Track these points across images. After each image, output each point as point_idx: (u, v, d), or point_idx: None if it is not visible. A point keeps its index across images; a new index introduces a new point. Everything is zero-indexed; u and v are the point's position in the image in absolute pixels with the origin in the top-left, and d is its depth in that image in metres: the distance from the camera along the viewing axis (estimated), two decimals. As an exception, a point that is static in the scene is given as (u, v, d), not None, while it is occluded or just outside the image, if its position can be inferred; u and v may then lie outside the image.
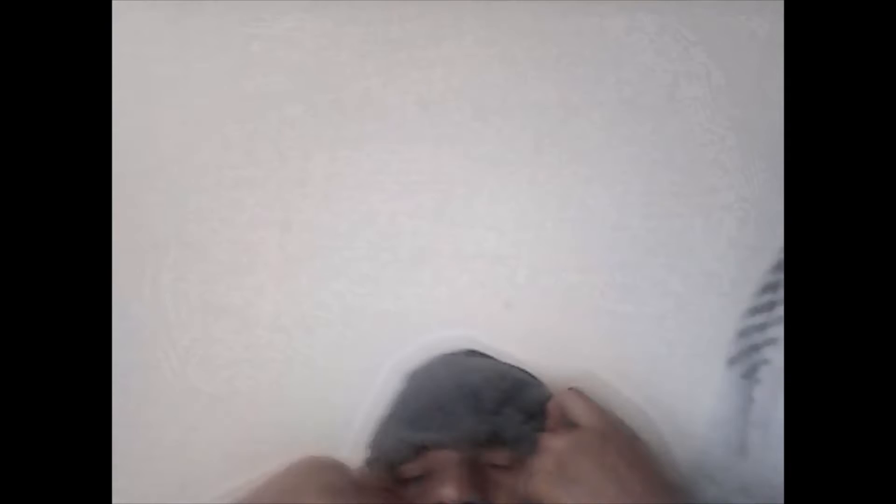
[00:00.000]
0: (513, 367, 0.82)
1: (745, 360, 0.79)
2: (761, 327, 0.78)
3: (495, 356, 0.84)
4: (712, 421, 0.82)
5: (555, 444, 0.66)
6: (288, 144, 0.89)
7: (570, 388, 0.72)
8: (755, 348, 0.78)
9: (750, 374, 0.78)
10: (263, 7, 0.90)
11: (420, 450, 0.71)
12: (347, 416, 0.81)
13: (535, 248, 0.88)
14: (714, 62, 0.86)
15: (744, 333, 0.80)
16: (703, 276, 0.87)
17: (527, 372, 0.82)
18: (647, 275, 0.87)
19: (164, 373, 0.85)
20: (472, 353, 0.83)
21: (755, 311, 0.79)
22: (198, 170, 0.89)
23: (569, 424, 0.69)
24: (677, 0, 0.87)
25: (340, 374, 0.85)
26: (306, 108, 0.89)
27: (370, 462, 0.76)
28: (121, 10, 0.85)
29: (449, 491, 0.66)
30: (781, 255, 0.76)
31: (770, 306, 0.78)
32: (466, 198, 0.89)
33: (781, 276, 0.75)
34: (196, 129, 0.89)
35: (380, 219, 0.88)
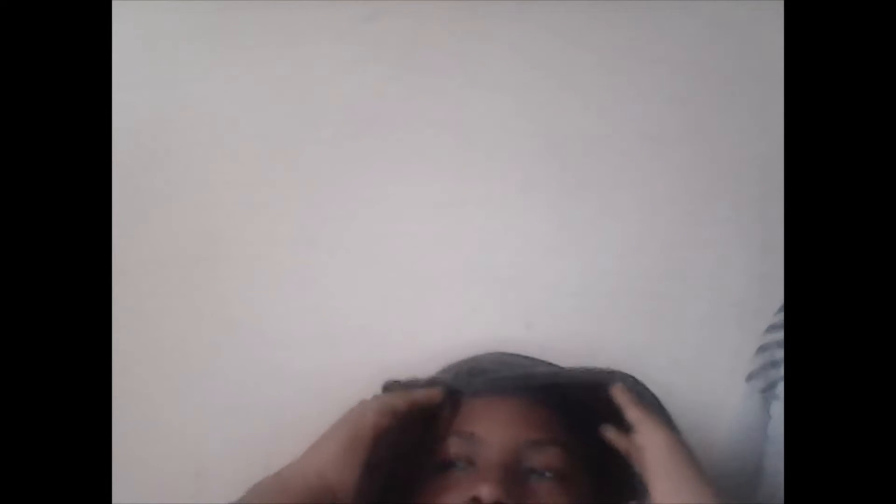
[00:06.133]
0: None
1: (763, 376, 0.79)
2: (781, 344, 0.77)
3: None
4: (730, 436, 0.81)
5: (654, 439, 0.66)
6: (308, 164, 0.90)
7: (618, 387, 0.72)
8: (774, 364, 0.78)
9: (768, 390, 0.78)
10: (288, 27, 0.91)
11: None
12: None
13: (557, 271, 0.88)
14: (714, 63, 0.87)
15: (763, 349, 0.80)
16: (723, 290, 0.87)
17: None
18: (666, 292, 0.87)
19: (174, 383, 0.85)
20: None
21: (775, 327, 0.79)
22: (215, 185, 0.89)
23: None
24: (678, 1, 0.88)
25: (358, 393, 0.84)
26: (327, 129, 0.90)
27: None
28: (139, 20, 0.88)
29: (485, 489, 0.65)
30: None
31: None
32: (488, 221, 0.89)
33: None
34: (216, 145, 0.90)
35: (400, 240, 0.89)
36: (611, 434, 0.70)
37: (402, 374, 0.78)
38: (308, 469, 0.66)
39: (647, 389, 0.75)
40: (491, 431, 0.70)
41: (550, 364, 0.81)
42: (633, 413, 0.68)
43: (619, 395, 0.71)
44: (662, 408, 0.74)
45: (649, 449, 0.66)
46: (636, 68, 0.90)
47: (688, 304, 0.87)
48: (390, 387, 0.76)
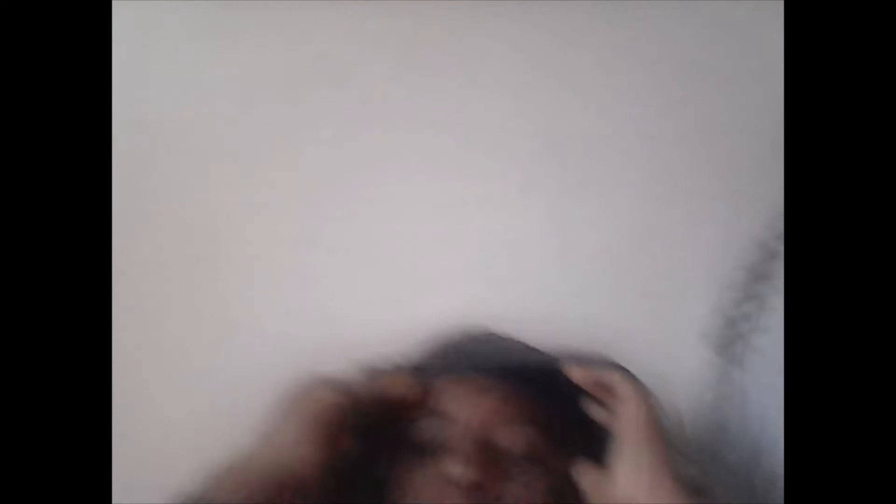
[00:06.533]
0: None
1: (730, 346, 0.81)
2: (736, 303, 0.80)
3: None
4: (694, 403, 0.83)
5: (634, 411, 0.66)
6: (308, 164, 0.90)
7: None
8: (741, 336, 0.80)
9: (734, 360, 0.80)
10: (288, 27, 0.91)
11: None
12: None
13: (557, 271, 0.89)
14: (714, 63, 0.87)
15: (731, 323, 0.81)
16: (692, 266, 0.88)
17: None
18: (666, 292, 0.88)
19: (174, 383, 0.85)
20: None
21: (743, 299, 0.80)
22: (215, 185, 0.89)
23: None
24: (678, 1, 0.88)
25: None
26: (327, 129, 0.90)
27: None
28: (139, 20, 0.88)
29: (458, 469, 0.65)
30: (774, 245, 0.77)
31: (758, 295, 0.79)
32: (488, 221, 0.89)
33: (772, 266, 0.77)
34: (216, 145, 0.90)
35: (400, 240, 0.89)
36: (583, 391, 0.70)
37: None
38: (275, 455, 0.64)
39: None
40: (464, 412, 0.70)
41: (528, 346, 0.80)
42: (623, 388, 0.68)
43: (604, 374, 0.70)
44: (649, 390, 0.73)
45: (627, 418, 0.65)
46: (636, 68, 0.90)
47: (687, 304, 0.87)
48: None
